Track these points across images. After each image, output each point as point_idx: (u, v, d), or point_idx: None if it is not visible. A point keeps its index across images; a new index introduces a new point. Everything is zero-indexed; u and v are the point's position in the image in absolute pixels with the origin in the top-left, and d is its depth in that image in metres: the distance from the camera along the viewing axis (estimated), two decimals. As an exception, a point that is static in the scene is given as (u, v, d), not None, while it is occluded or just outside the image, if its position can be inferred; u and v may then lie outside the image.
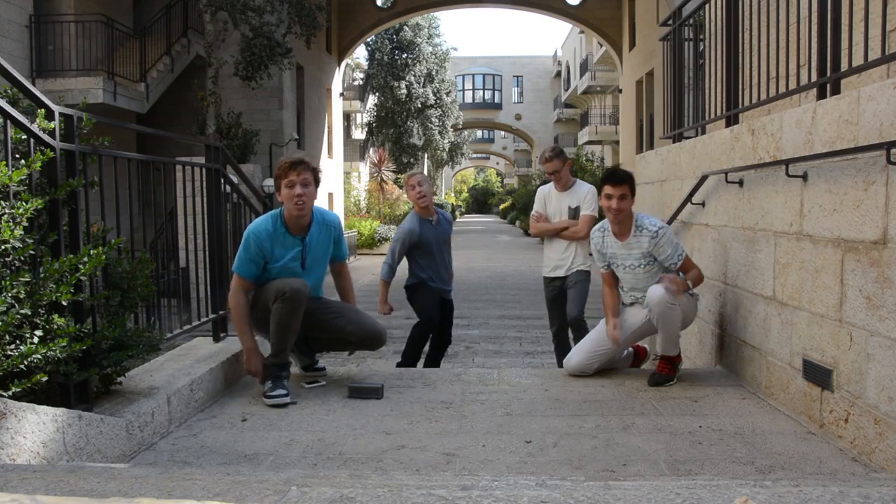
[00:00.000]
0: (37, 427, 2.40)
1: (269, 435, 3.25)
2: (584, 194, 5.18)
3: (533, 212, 5.44)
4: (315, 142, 19.37)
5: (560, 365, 5.09)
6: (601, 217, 4.51)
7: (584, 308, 5.12)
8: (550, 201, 5.31)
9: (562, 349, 5.18)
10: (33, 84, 5.60)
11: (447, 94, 34.02)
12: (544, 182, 5.65)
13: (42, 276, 2.57)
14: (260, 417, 3.52)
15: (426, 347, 5.32)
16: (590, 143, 31.60)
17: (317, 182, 3.92)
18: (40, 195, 2.64)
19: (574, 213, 5.17)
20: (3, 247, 2.47)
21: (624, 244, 4.15)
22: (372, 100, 32.46)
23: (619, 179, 4.04)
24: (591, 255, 5.11)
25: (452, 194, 60.59)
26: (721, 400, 3.77)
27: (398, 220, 26.59)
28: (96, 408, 2.93)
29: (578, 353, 4.32)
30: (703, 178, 4.63)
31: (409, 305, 5.29)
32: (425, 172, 43.94)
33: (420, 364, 5.27)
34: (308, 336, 4.14)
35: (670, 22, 5.69)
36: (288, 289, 3.71)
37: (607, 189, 4.06)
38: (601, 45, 25.06)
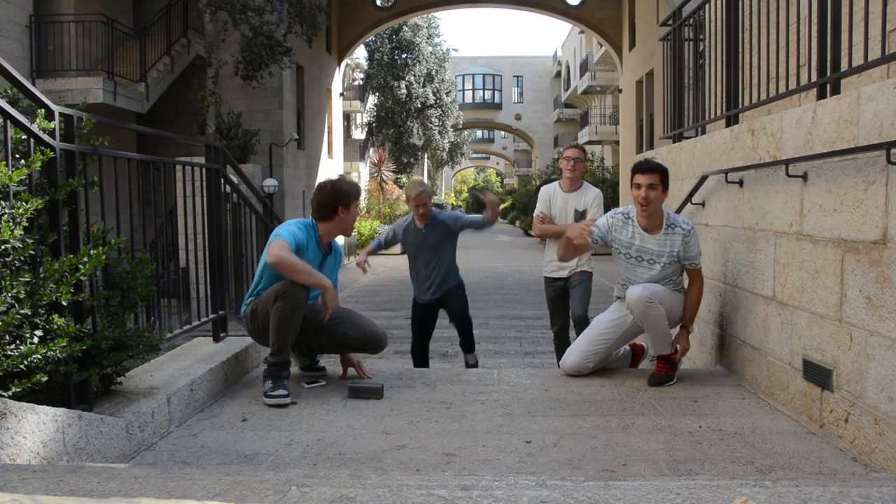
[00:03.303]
0: (37, 427, 2.40)
1: (269, 435, 3.25)
2: (591, 198, 5.14)
3: (536, 212, 5.39)
4: (315, 142, 19.38)
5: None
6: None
7: (588, 307, 5.11)
8: (556, 202, 5.25)
9: (563, 348, 5.15)
10: (33, 84, 5.60)
11: (447, 94, 34.01)
12: (546, 181, 5.64)
13: (42, 276, 2.57)
14: (260, 417, 3.52)
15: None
16: (590, 143, 31.56)
17: None
18: (40, 195, 2.64)
19: (580, 216, 5.11)
20: (3, 247, 2.47)
21: (655, 238, 4.02)
22: (372, 100, 32.46)
23: (648, 168, 3.92)
24: (593, 254, 5.12)
25: (452, 194, 60.60)
26: (721, 400, 3.77)
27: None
28: (96, 408, 2.93)
29: (574, 352, 4.32)
30: (703, 178, 4.63)
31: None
32: (425, 172, 43.98)
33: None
34: (310, 343, 4.19)
35: (670, 22, 5.69)
36: (288, 288, 3.73)
37: (637, 178, 3.93)
38: (601, 45, 25.06)
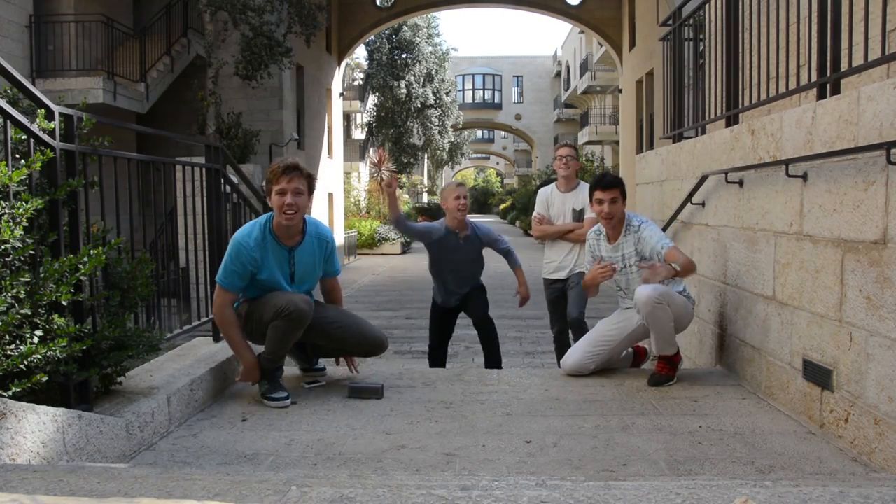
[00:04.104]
0: (37, 427, 2.40)
1: (269, 435, 3.25)
2: (587, 196, 5.15)
3: (535, 213, 5.41)
4: (315, 142, 19.37)
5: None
6: None
7: (584, 309, 5.11)
8: (554, 203, 5.28)
9: (563, 351, 5.13)
10: (33, 84, 5.60)
11: (447, 94, 34.00)
12: (545, 182, 5.64)
13: (42, 276, 2.57)
14: (260, 417, 3.52)
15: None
16: (590, 143, 31.57)
17: (311, 190, 3.70)
18: (40, 195, 2.64)
19: (578, 215, 5.15)
20: (3, 247, 2.47)
21: (613, 246, 4.25)
22: (372, 100, 32.45)
23: (608, 184, 4.15)
24: None
25: (452, 194, 60.50)
26: (721, 400, 3.77)
27: (398, 219, 26.58)
28: (96, 408, 2.93)
29: (576, 352, 4.33)
30: (703, 178, 4.63)
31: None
32: (425, 172, 43.97)
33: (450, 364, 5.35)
34: (306, 343, 4.10)
35: (670, 22, 5.69)
36: (292, 308, 3.59)
37: (598, 194, 4.17)
38: (601, 45, 25.03)
